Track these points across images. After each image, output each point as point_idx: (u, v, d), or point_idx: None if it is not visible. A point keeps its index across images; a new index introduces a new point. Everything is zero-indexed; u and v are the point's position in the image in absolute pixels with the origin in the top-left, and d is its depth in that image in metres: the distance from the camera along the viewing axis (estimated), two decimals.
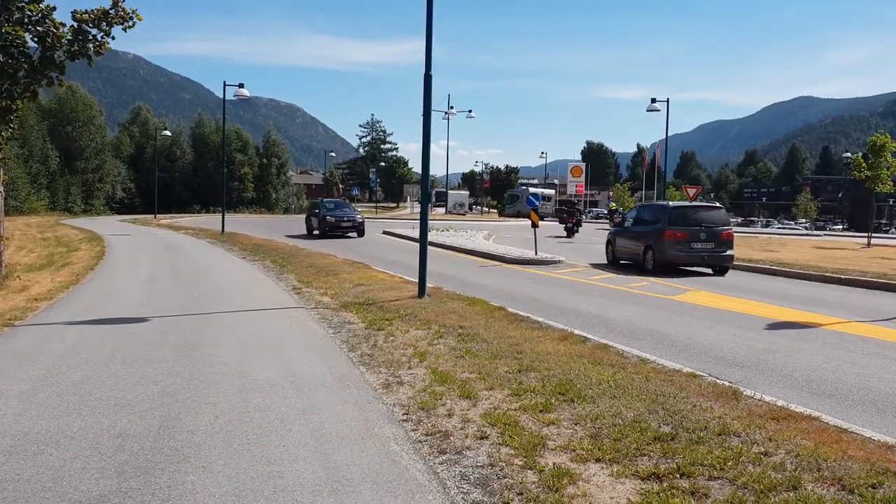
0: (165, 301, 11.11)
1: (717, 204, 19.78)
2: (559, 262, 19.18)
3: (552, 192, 65.00)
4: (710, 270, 17.24)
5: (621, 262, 18.73)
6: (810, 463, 4.13)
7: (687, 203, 19.38)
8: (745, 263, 18.89)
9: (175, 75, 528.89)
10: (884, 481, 3.86)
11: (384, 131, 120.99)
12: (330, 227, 28.75)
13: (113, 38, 12.05)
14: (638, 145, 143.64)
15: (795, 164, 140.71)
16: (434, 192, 76.88)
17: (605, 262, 19.25)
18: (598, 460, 4.24)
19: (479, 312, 9.62)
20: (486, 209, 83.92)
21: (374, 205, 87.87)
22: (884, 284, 14.75)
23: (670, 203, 18.65)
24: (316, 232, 29.30)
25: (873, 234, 32.19)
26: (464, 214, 64.24)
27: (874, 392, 6.35)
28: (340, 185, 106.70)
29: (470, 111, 53.06)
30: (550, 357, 6.83)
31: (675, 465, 4.11)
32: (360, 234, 29.20)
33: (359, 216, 30.06)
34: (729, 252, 16.97)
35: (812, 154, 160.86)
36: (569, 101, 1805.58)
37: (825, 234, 49.21)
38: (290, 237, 27.62)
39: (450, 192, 78.15)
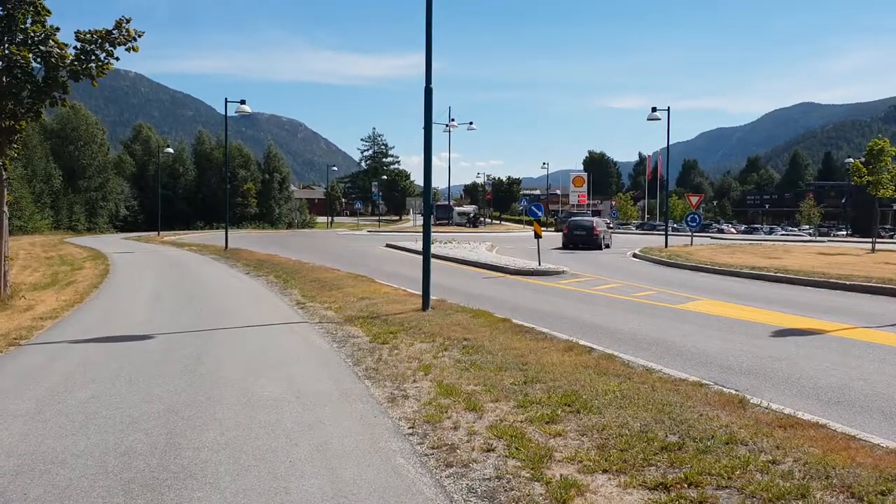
0: (170, 318, 11.13)
1: None
2: (562, 272, 19.16)
3: (473, 207, 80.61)
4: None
5: None
6: (819, 471, 4.11)
7: None
8: (749, 271, 18.90)
9: (177, 92, 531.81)
10: (893, 488, 3.83)
11: (386, 144, 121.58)
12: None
13: (117, 58, 12.18)
14: (639, 154, 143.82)
15: (798, 170, 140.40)
16: (436, 204, 78.74)
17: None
18: (605, 471, 4.22)
19: (483, 324, 9.61)
20: (488, 220, 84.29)
21: (376, 218, 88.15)
22: (889, 290, 14.71)
23: None
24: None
25: (877, 240, 32.14)
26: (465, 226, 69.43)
27: (881, 398, 6.32)
28: (343, 200, 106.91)
29: (471, 123, 53.29)
30: (556, 368, 6.82)
31: (682, 475, 4.09)
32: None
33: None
34: None
35: (814, 160, 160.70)
36: (570, 111, 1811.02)
37: (829, 241, 49.18)
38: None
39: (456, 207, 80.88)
